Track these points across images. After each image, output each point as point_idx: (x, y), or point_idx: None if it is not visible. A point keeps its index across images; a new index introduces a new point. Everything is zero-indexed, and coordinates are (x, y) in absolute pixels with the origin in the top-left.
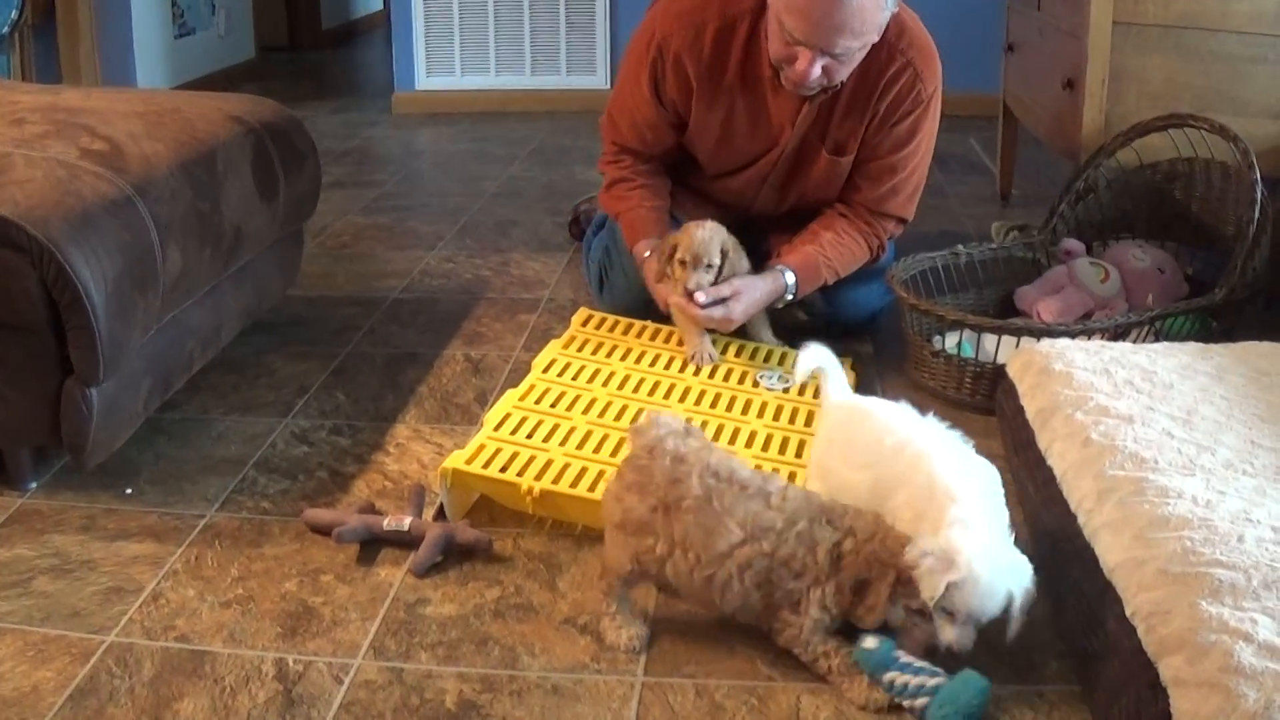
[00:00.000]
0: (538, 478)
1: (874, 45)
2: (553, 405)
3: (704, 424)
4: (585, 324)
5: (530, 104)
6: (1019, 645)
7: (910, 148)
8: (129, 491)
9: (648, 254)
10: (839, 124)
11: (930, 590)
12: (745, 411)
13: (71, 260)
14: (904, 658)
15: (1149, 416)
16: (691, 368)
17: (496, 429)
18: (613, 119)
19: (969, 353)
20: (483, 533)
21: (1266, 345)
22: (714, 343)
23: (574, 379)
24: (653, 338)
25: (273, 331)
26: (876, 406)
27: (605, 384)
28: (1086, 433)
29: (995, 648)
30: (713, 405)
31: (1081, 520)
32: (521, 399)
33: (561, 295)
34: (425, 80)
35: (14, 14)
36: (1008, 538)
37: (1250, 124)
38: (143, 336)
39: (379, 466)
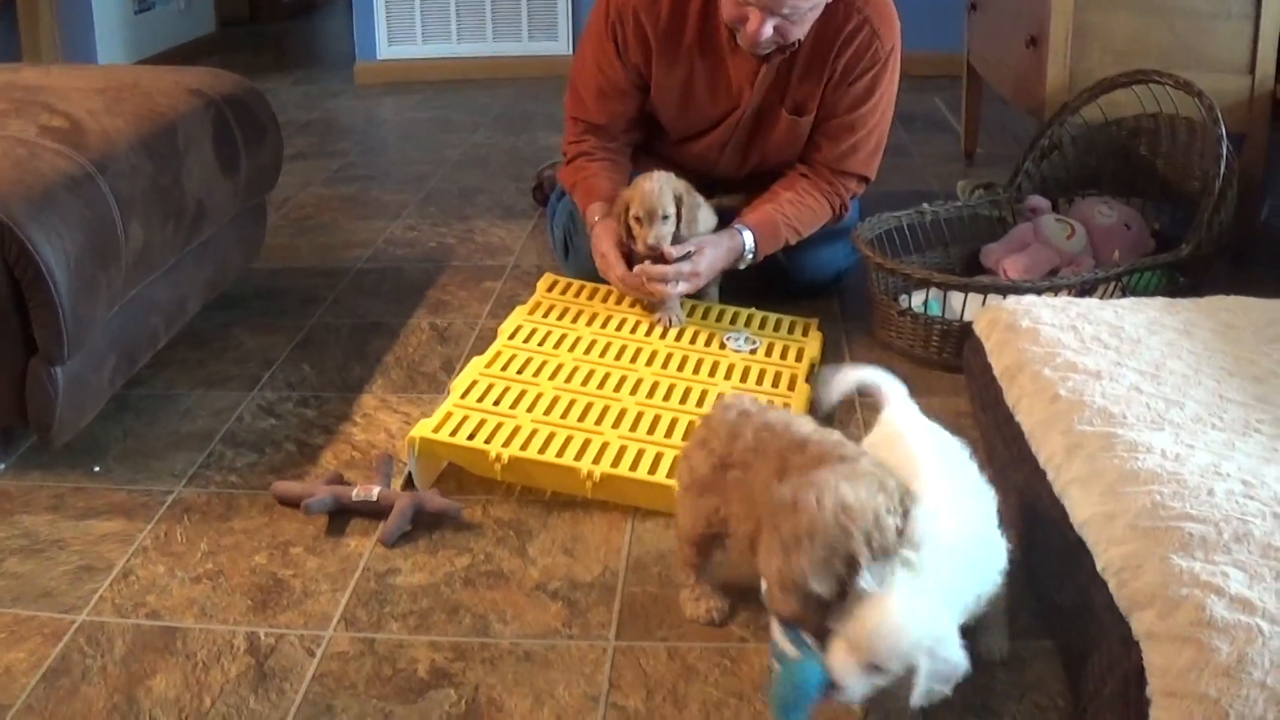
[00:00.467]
0: (505, 444)
1: (830, 4)
2: (519, 371)
3: (671, 387)
4: (550, 290)
5: (492, 71)
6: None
7: (869, 105)
8: (97, 469)
9: (597, 218)
10: (798, 84)
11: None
12: (713, 374)
13: (33, 238)
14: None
15: (1117, 372)
16: (658, 330)
17: (463, 396)
18: (576, 92)
19: (936, 311)
20: (451, 501)
21: (1233, 299)
22: (680, 304)
23: (540, 345)
24: (618, 301)
25: (237, 305)
26: (911, 434)
27: (571, 349)
28: (1054, 389)
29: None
30: (680, 368)
31: (1051, 476)
32: (488, 366)
33: (526, 261)
34: (387, 49)
35: None
36: (960, 600)
37: (1215, 79)
38: (107, 313)
39: (346, 437)
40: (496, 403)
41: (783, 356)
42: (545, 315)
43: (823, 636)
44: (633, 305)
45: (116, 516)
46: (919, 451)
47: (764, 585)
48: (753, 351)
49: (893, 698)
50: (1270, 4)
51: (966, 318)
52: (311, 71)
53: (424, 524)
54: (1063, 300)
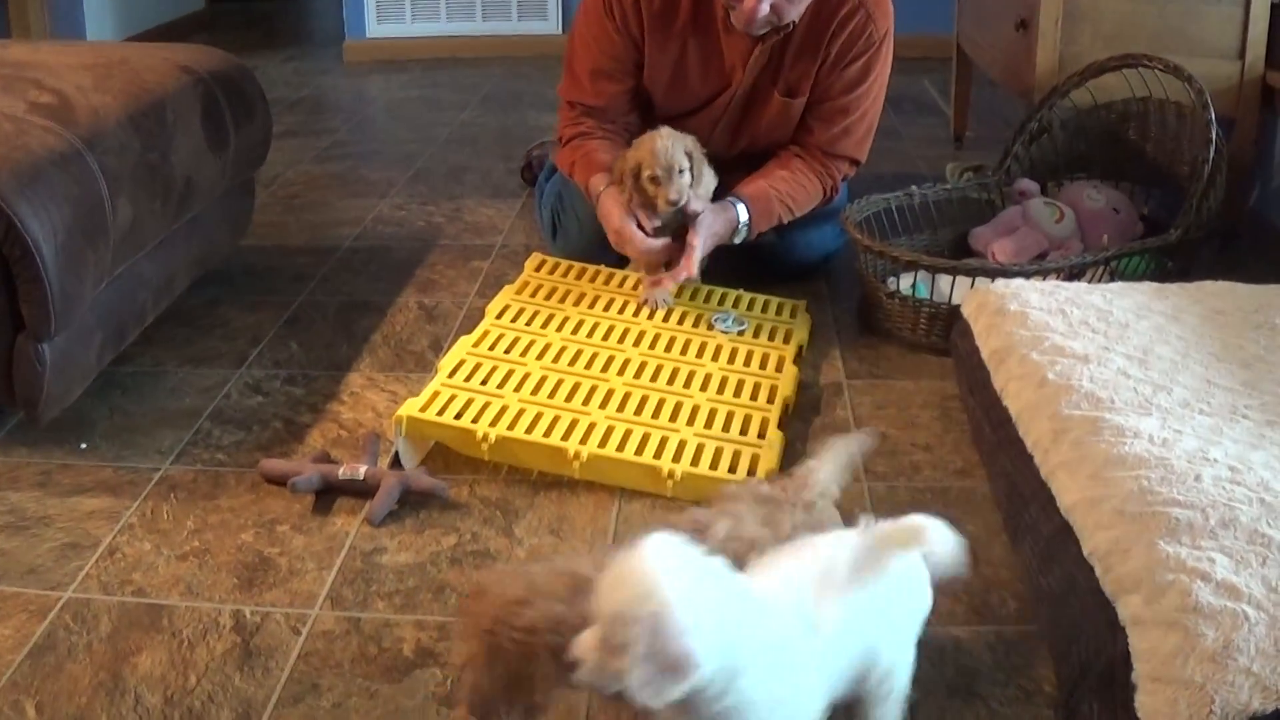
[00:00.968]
0: (492, 424)
1: None
2: (506, 351)
3: (659, 368)
4: (538, 269)
5: (482, 50)
6: (977, 586)
7: (862, 89)
8: (84, 446)
9: (601, 188)
10: (791, 65)
11: None
12: (700, 355)
13: (20, 214)
14: None
15: (1105, 356)
16: (645, 311)
17: (450, 376)
18: (573, 74)
19: (924, 294)
20: (438, 480)
21: (1222, 285)
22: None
23: (528, 324)
24: (606, 282)
25: (225, 282)
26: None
27: (559, 329)
28: (1042, 373)
29: (952, 588)
30: (668, 349)
31: (1038, 460)
32: (475, 345)
33: (515, 241)
34: (376, 28)
35: None
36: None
37: (1204, 64)
38: (94, 290)
39: (333, 415)
40: (484, 382)
41: (771, 338)
42: (533, 295)
43: None
44: (620, 285)
45: (103, 494)
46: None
47: None
48: (740, 333)
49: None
50: None
51: (955, 300)
52: (300, 49)
53: (410, 503)
54: (1051, 284)
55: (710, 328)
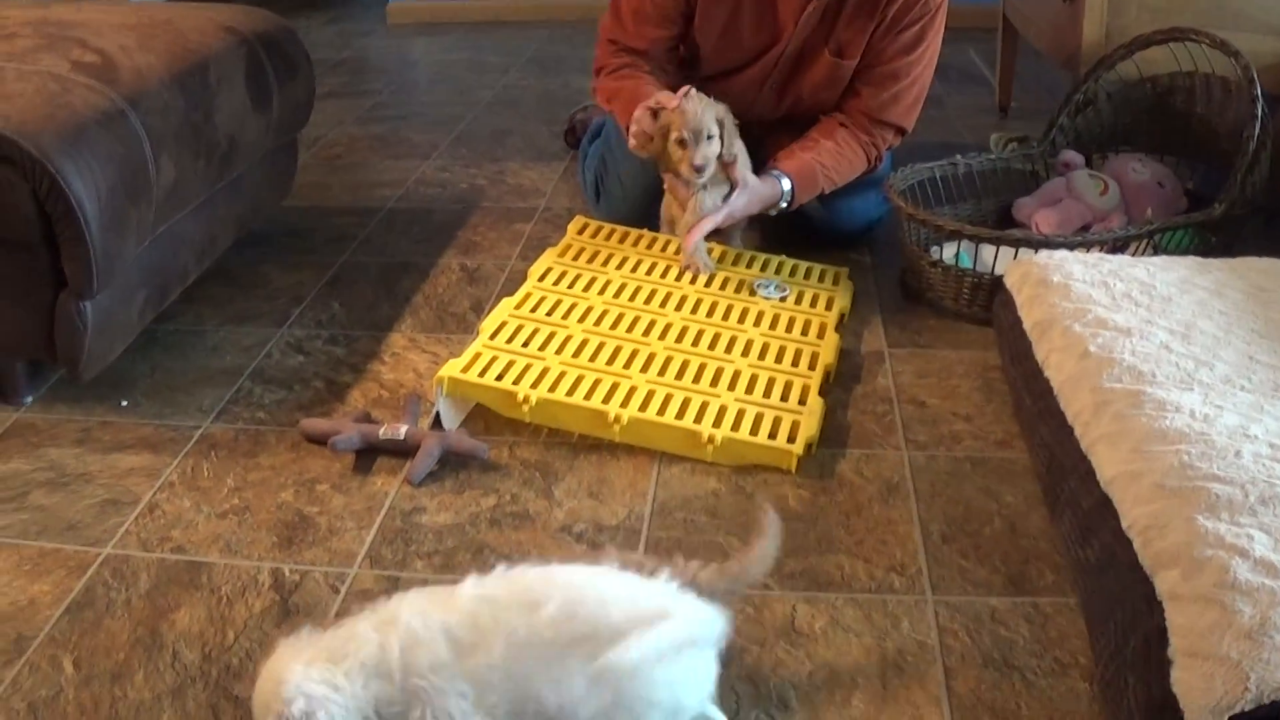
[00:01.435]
0: (534, 386)
1: None
2: (548, 314)
3: (700, 332)
4: (581, 232)
5: (526, 13)
6: (1015, 557)
7: (915, 55)
8: (124, 404)
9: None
10: (845, 26)
11: None
12: (742, 320)
13: (64, 173)
14: None
15: (1147, 330)
16: (688, 276)
17: (492, 337)
18: (617, 11)
19: (967, 263)
20: (478, 441)
21: (1265, 261)
22: (709, 252)
23: (570, 287)
24: (649, 246)
25: (268, 242)
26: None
27: (601, 292)
28: (1084, 345)
29: (990, 559)
30: (709, 314)
31: (1079, 432)
32: (517, 307)
33: (557, 204)
34: None
35: None
36: None
37: (1251, 39)
38: (137, 248)
39: (375, 376)
40: (525, 344)
41: (813, 305)
42: (575, 258)
43: None
44: (663, 250)
45: (143, 451)
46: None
47: None
48: (783, 299)
49: None
50: None
51: (997, 271)
52: (344, 10)
53: (450, 464)
54: (1094, 256)
55: (752, 293)
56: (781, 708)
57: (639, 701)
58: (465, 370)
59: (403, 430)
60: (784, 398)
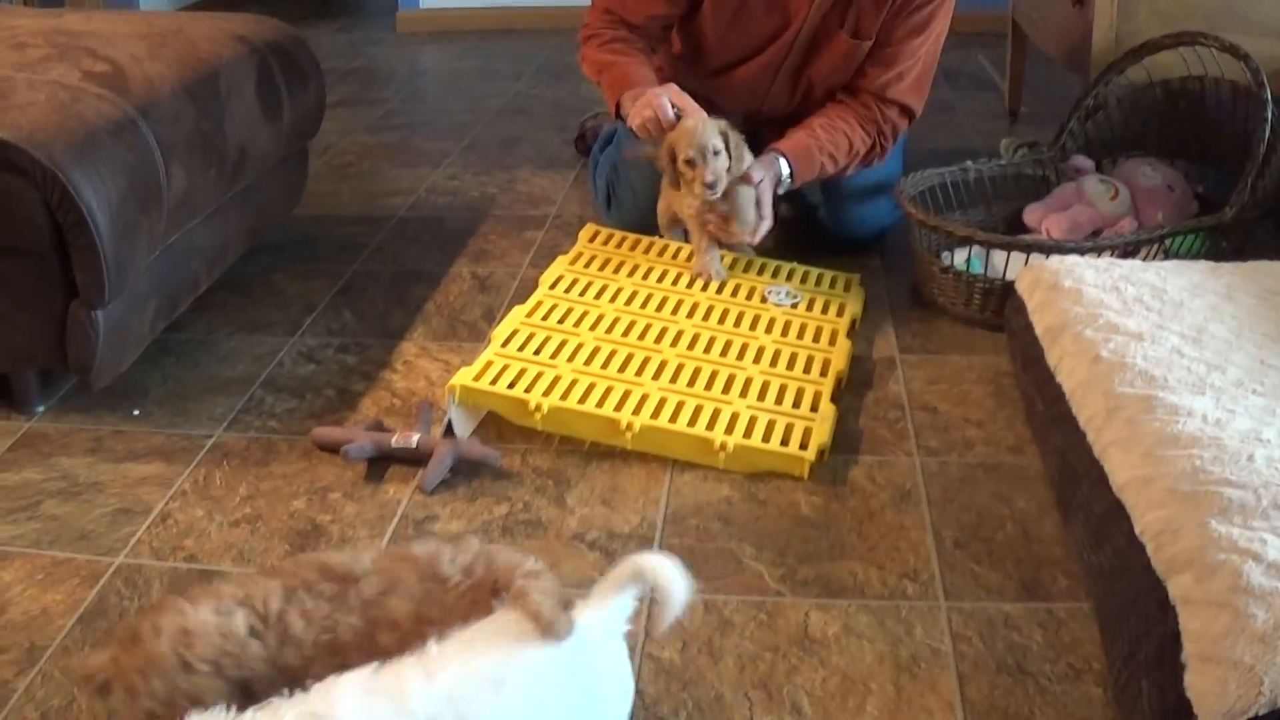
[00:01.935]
0: (545, 394)
1: None
2: (560, 321)
3: (712, 340)
4: (592, 240)
5: (536, 21)
6: (1028, 563)
7: (922, 37)
8: (136, 413)
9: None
10: (861, 6)
11: None
12: (754, 327)
13: (75, 182)
14: None
15: (1159, 334)
16: (699, 283)
17: (504, 345)
18: None
19: (978, 269)
20: (491, 449)
21: (1277, 264)
22: (721, 259)
23: (581, 295)
24: (660, 253)
25: (279, 251)
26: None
27: (613, 300)
28: (1096, 350)
29: (1003, 564)
30: (720, 321)
31: (1091, 437)
32: (529, 315)
33: (568, 212)
34: None
35: None
36: None
37: (1260, 43)
38: (148, 257)
39: (386, 384)
40: (537, 352)
41: (824, 311)
42: (587, 265)
43: None
44: (674, 257)
45: (155, 460)
46: None
47: None
48: (794, 306)
49: None
50: None
51: (1009, 277)
52: (354, 19)
53: (463, 472)
54: (1105, 261)
55: (764, 300)
56: (795, 714)
57: None
58: (477, 378)
59: (415, 438)
60: (796, 404)
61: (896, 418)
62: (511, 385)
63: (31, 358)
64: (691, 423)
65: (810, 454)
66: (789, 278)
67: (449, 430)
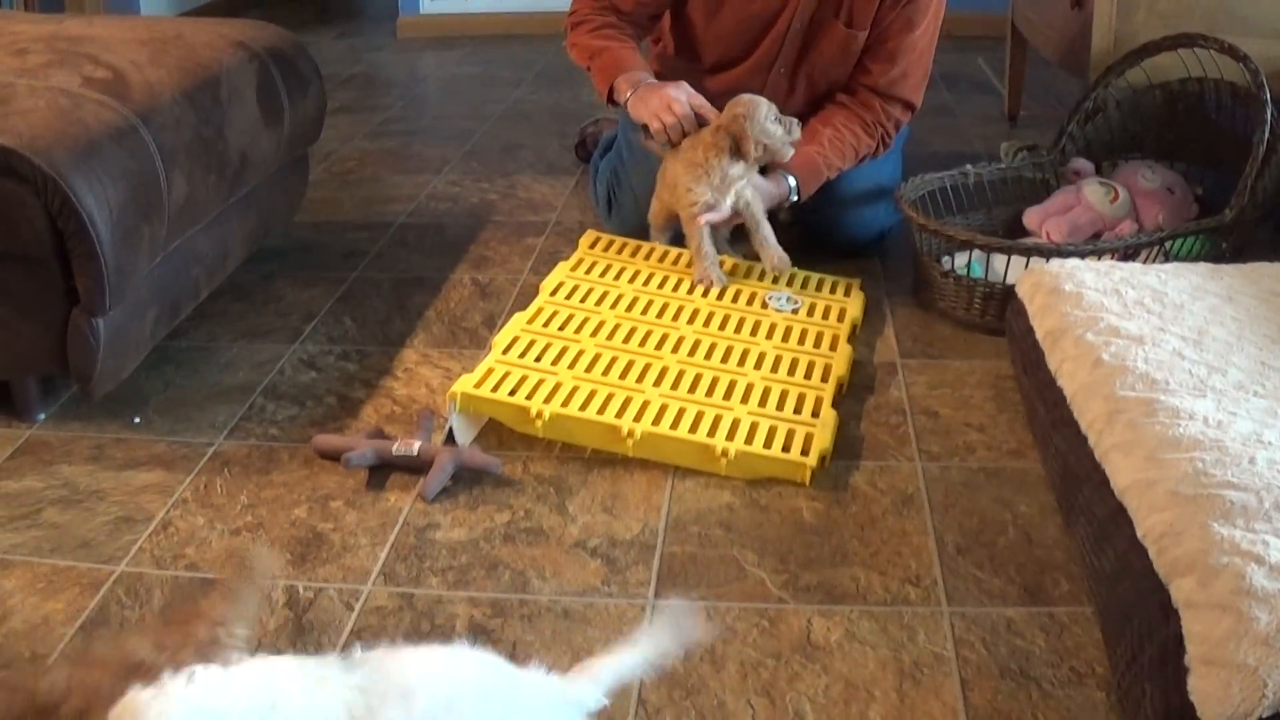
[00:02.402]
0: (546, 401)
1: None
2: (561, 328)
3: (713, 346)
4: (593, 246)
5: (536, 27)
6: (1030, 567)
7: (920, 30)
8: (137, 421)
9: (629, 93)
10: None
11: None
12: (754, 333)
13: (76, 189)
14: None
15: (1159, 337)
16: (700, 289)
17: (505, 352)
18: None
19: (978, 273)
20: (492, 456)
21: (1277, 266)
22: (721, 265)
23: (582, 301)
24: (661, 259)
25: (279, 258)
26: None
27: (614, 306)
28: (1097, 353)
29: (1005, 569)
30: (721, 327)
31: (1092, 441)
32: (529, 322)
33: (569, 218)
34: (430, 4)
35: None
36: None
37: (1259, 44)
38: (149, 265)
39: (387, 391)
40: (538, 359)
41: (825, 316)
42: (587, 272)
43: None
44: (675, 263)
45: (156, 468)
46: None
47: None
48: (795, 311)
49: None
50: None
51: (1009, 281)
52: (354, 25)
53: (464, 479)
54: (1106, 264)
55: (764, 306)
56: None
57: None
58: (478, 385)
59: (416, 446)
60: (797, 410)
61: (898, 423)
62: (512, 392)
63: (32, 365)
64: (693, 429)
65: (812, 460)
66: (789, 283)
67: (450, 438)
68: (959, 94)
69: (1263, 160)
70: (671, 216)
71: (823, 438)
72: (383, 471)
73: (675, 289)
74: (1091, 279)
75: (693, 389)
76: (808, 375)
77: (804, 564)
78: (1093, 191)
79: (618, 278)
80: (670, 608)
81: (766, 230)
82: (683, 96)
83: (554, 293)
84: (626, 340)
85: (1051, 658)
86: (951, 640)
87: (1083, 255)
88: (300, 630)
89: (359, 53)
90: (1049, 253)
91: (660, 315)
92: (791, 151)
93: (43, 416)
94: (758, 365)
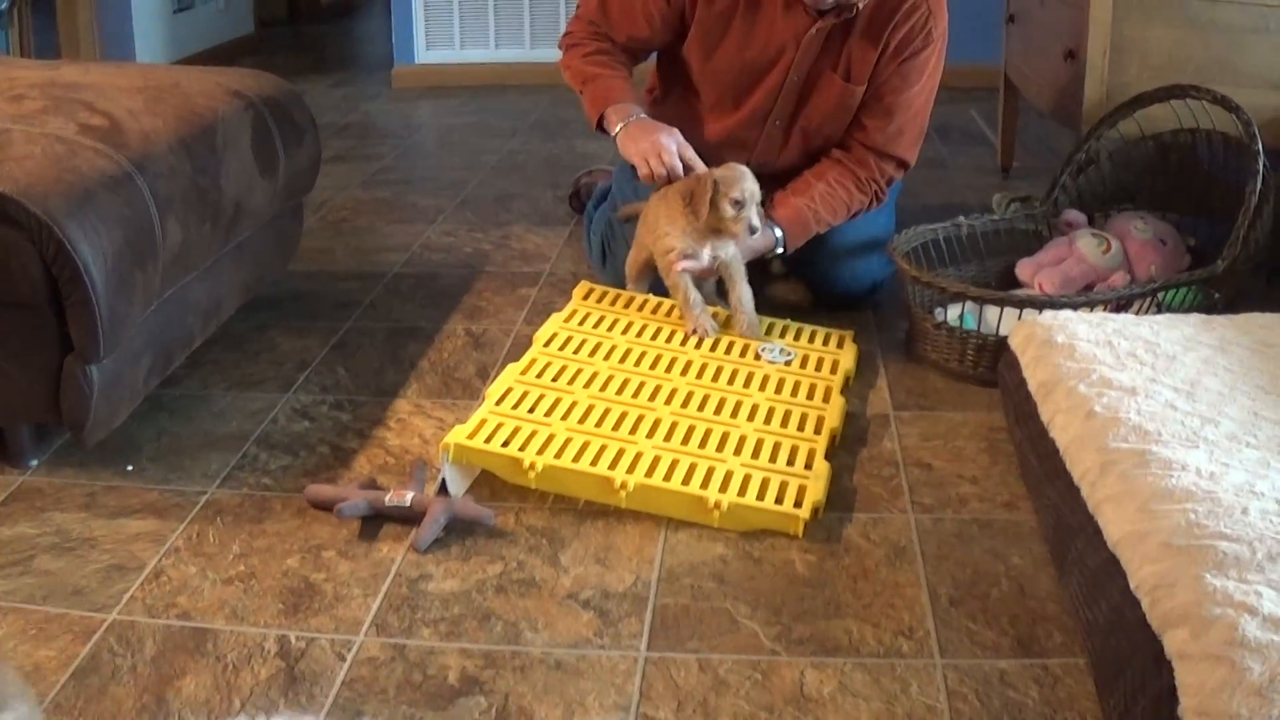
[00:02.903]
0: (540, 452)
1: None
2: (554, 379)
3: (706, 397)
4: (586, 297)
5: (530, 77)
6: (1023, 619)
7: (918, 86)
8: (130, 469)
9: (620, 125)
10: (852, 49)
11: None
12: (747, 385)
13: (71, 236)
14: None
15: (1152, 389)
16: (693, 341)
17: (498, 403)
18: (604, 2)
19: (971, 325)
20: (484, 508)
21: (1269, 316)
22: (714, 316)
23: (575, 353)
24: (654, 311)
25: (273, 307)
26: None
27: (607, 357)
28: (1089, 405)
29: (998, 621)
30: (714, 379)
31: (1085, 493)
32: (523, 373)
33: (562, 269)
34: (425, 54)
35: None
36: None
37: (1251, 95)
38: (143, 313)
39: (380, 441)
40: (531, 410)
41: (817, 368)
42: (581, 323)
43: None
44: (668, 314)
45: (149, 516)
46: None
47: None
48: (788, 363)
49: None
50: None
51: (1002, 332)
52: (349, 74)
53: (456, 530)
54: (1099, 315)
55: (757, 357)
56: None
57: None
58: (471, 436)
59: (409, 497)
60: (790, 462)
61: (890, 474)
62: (506, 444)
63: (25, 412)
64: (686, 481)
65: (805, 512)
66: (782, 334)
67: (443, 488)
68: (952, 145)
69: (1255, 211)
70: (648, 265)
71: (815, 490)
72: (375, 522)
73: (668, 340)
74: (1084, 330)
75: (685, 441)
76: (800, 427)
77: (797, 616)
78: (1085, 243)
79: (611, 329)
80: None
81: (743, 291)
82: (673, 146)
83: (547, 344)
84: (620, 391)
85: (1045, 710)
86: (944, 692)
87: (1075, 307)
88: (292, 680)
89: (354, 102)
90: (1041, 304)
91: (653, 367)
92: (741, 240)
93: (35, 463)
94: (750, 417)
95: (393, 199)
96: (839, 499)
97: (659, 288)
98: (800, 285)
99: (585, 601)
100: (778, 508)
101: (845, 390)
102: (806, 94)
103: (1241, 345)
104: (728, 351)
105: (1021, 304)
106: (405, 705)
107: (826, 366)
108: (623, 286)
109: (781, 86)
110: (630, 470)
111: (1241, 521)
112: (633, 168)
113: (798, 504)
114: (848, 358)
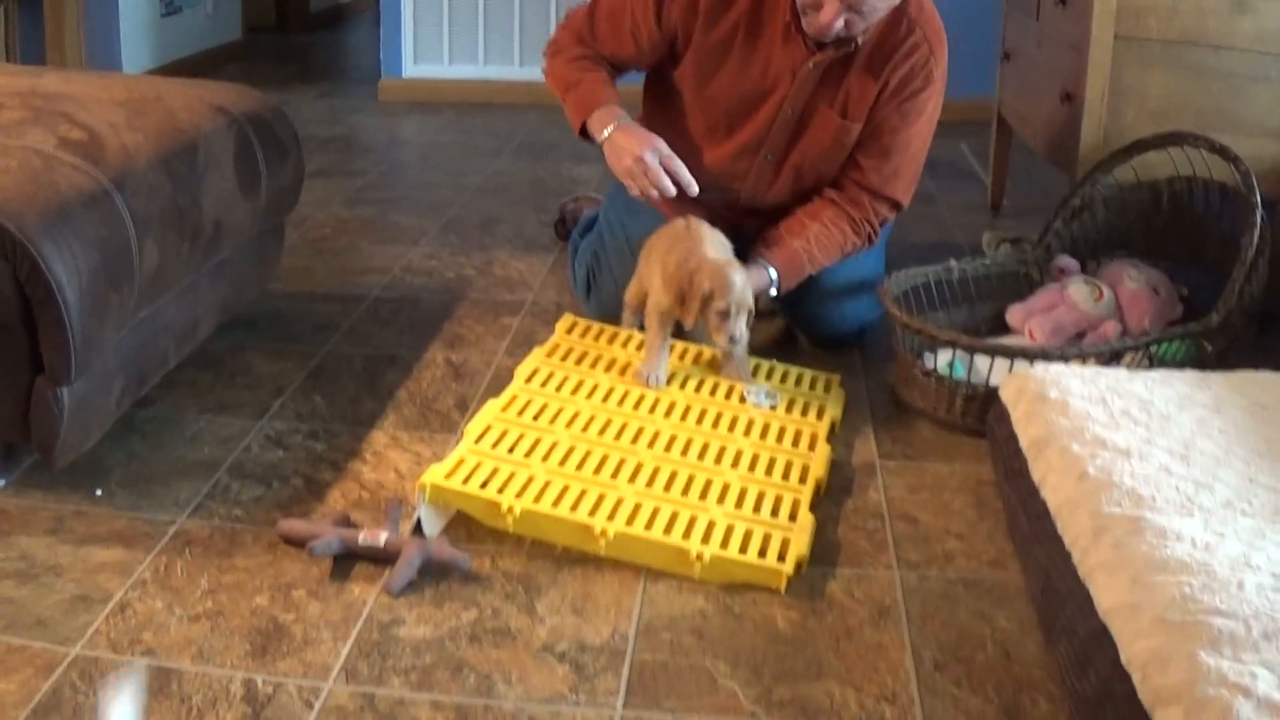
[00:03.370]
0: (519, 496)
1: (895, 13)
2: (535, 417)
3: (689, 441)
4: (570, 331)
5: (518, 96)
6: (1008, 685)
7: (916, 127)
8: (99, 493)
9: (612, 127)
10: (851, 86)
11: None
12: (732, 429)
13: (45, 255)
14: None
15: (1147, 450)
16: (678, 381)
17: (477, 441)
18: (592, 14)
19: (960, 373)
20: (460, 551)
21: (1265, 375)
22: (699, 355)
23: (557, 390)
24: (639, 348)
25: (251, 328)
26: None
27: (589, 396)
28: (1083, 466)
29: (983, 687)
30: (698, 421)
31: (1076, 559)
32: (504, 410)
33: (545, 298)
34: (412, 68)
35: None
36: None
37: (1250, 144)
38: (117, 334)
39: (355, 475)
40: (511, 450)
41: (804, 413)
42: (563, 359)
43: None
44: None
45: (116, 545)
46: None
47: None
48: (773, 407)
49: None
50: None
51: (993, 382)
52: (335, 85)
53: (430, 573)
54: (1092, 370)
55: (742, 400)
56: None
57: None
58: (449, 476)
59: (383, 538)
60: (774, 513)
61: (875, 528)
62: (484, 485)
63: None
64: (667, 530)
65: (788, 567)
66: (769, 376)
67: (418, 527)
68: (942, 181)
69: (1251, 264)
70: (646, 299)
71: (800, 544)
72: (348, 560)
73: None
74: (1077, 385)
75: (668, 487)
76: (785, 475)
77: (777, 677)
78: (1078, 290)
79: (594, 366)
80: None
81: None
82: (656, 162)
83: (529, 379)
84: (602, 433)
85: None
86: None
87: (1067, 359)
88: None
89: (339, 114)
90: (1033, 355)
91: (636, 407)
92: (720, 348)
93: (3, 483)
94: (734, 464)
95: (375, 218)
96: (823, 552)
97: None
98: (781, 322)
99: (561, 654)
100: (761, 561)
101: (831, 437)
102: (801, 128)
103: (1236, 406)
104: (712, 393)
105: (1013, 354)
106: None
107: (813, 411)
108: (607, 318)
109: (775, 120)
110: (611, 517)
111: (1237, 596)
112: (622, 186)
113: (781, 558)
114: (834, 404)
